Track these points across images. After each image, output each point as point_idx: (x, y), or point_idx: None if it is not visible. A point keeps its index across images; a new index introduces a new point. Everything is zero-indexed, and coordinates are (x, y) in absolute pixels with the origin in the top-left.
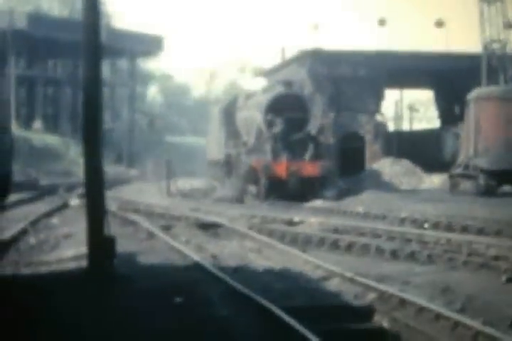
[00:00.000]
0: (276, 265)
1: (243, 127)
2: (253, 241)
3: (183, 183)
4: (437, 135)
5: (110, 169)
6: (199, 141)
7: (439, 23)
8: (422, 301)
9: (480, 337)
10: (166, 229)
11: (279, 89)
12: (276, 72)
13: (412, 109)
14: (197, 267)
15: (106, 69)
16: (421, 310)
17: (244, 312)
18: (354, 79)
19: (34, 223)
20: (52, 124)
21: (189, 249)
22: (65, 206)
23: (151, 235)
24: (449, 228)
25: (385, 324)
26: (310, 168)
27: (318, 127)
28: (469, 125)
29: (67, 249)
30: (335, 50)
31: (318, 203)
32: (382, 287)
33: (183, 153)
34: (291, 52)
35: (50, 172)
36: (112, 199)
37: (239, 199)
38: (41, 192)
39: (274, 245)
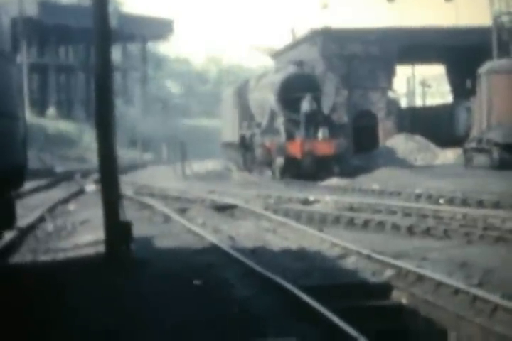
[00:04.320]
0: (293, 244)
1: (256, 108)
2: (269, 222)
3: (198, 166)
4: (450, 110)
5: (124, 154)
6: (212, 123)
7: None
8: (440, 276)
9: (499, 310)
10: (182, 211)
11: (291, 69)
12: (287, 52)
13: (424, 84)
14: (214, 249)
15: (117, 54)
16: (439, 285)
17: (263, 293)
18: (365, 56)
19: (51, 210)
20: (65, 111)
21: (205, 231)
22: (80, 192)
23: (167, 218)
24: (465, 203)
25: (404, 300)
26: (324, 147)
27: (331, 106)
28: (481, 99)
29: (85, 234)
30: (345, 28)
31: (333, 181)
32: (399, 263)
33: (197, 135)
34: (301, 33)
35: (65, 158)
36: (127, 183)
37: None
38: (57, 179)
39: (290, 225)
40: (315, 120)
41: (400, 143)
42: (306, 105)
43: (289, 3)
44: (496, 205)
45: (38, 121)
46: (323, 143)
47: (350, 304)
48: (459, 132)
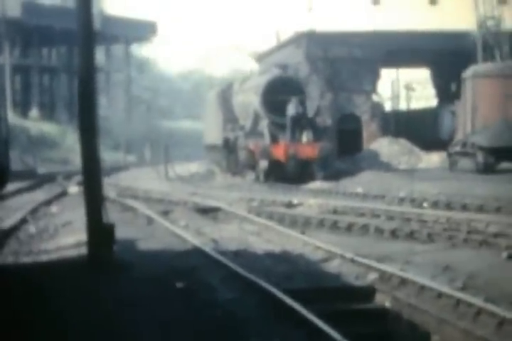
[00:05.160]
0: (277, 247)
1: (240, 111)
2: (252, 224)
3: (181, 168)
4: (434, 113)
5: (107, 156)
6: (194, 125)
7: (433, 1)
8: (424, 280)
9: (482, 314)
10: (165, 214)
11: (275, 72)
12: (271, 55)
13: (408, 88)
14: (197, 252)
15: (101, 56)
16: (422, 288)
17: (246, 295)
18: (350, 59)
19: (33, 212)
20: (48, 112)
21: (188, 233)
22: (63, 194)
23: (150, 221)
24: (449, 206)
25: (387, 304)
26: (309, 150)
27: (315, 109)
28: (466, 102)
29: (67, 236)
30: (330, 31)
31: (317, 185)
32: (383, 267)
33: (180, 137)
34: (285, 36)
35: (48, 160)
36: (111, 186)
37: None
38: (39, 181)
39: (274, 228)
40: (300, 123)
41: (384, 147)
42: (292, 108)
43: (274, 6)
44: (480, 209)
45: (20, 122)
46: (307, 147)
47: (334, 307)
48: (443, 136)
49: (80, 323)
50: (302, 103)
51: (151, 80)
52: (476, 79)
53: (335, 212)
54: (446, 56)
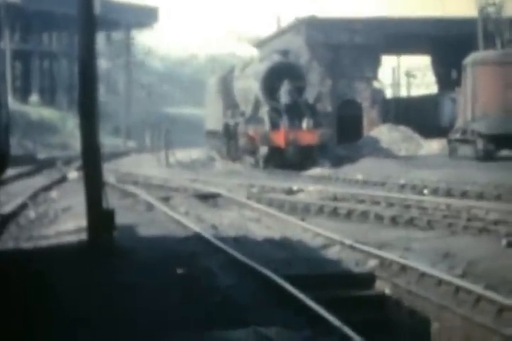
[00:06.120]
0: (276, 234)
1: (240, 97)
2: (252, 211)
3: (182, 154)
4: (435, 100)
5: (107, 141)
6: (195, 111)
7: None
8: (424, 267)
9: (482, 301)
10: (165, 200)
11: (276, 58)
12: (272, 41)
13: (409, 75)
14: (197, 238)
15: (102, 41)
16: (422, 275)
17: (246, 281)
18: (351, 46)
19: (33, 197)
20: (48, 97)
21: (189, 219)
22: (63, 179)
23: (150, 207)
24: (449, 193)
25: (387, 290)
26: (308, 137)
27: (315, 95)
28: (466, 90)
29: (67, 222)
30: (331, 17)
31: (316, 171)
32: (382, 253)
33: (181, 124)
34: (286, 21)
35: (48, 145)
36: (111, 171)
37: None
38: (39, 166)
39: (274, 214)
40: (297, 110)
41: (385, 133)
42: (285, 95)
43: None
44: (480, 196)
45: (20, 107)
46: (307, 133)
47: (334, 294)
48: (443, 123)
49: (75, 309)
50: (301, 89)
51: (151, 66)
52: (477, 67)
53: (335, 198)
54: (447, 43)
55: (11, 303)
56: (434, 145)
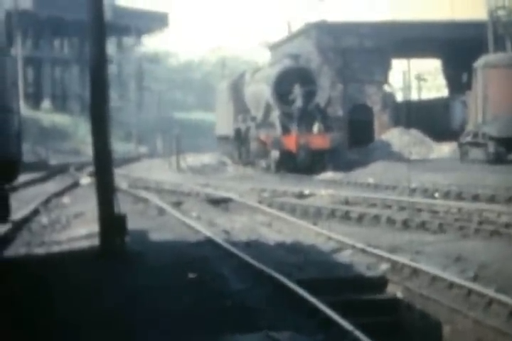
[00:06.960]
0: (288, 238)
1: (251, 102)
2: (264, 215)
3: (193, 159)
4: (445, 103)
5: (119, 147)
6: (207, 116)
7: None
8: (435, 270)
9: (493, 304)
10: (177, 205)
11: (287, 63)
12: (283, 46)
13: (419, 78)
14: (209, 242)
15: (112, 47)
16: (434, 279)
17: (258, 286)
18: (361, 50)
19: (45, 203)
20: (60, 104)
21: (200, 224)
22: (75, 185)
23: (161, 212)
24: (460, 197)
25: (399, 294)
26: (320, 141)
27: (326, 99)
28: (477, 93)
29: (79, 227)
30: (341, 21)
31: (328, 175)
32: (394, 257)
33: (192, 129)
34: (297, 26)
35: (60, 151)
36: (122, 177)
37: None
38: (51, 172)
39: (285, 218)
40: (308, 114)
41: (396, 137)
42: (299, 100)
43: None
44: (492, 199)
45: (32, 114)
46: (318, 137)
47: (346, 297)
48: (454, 126)
49: (88, 314)
50: (313, 93)
51: (162, 71)
52: (487, 69)
53: (346, 202)
54: (457, 46)
55: (22, 309)
56: (445, 149)
